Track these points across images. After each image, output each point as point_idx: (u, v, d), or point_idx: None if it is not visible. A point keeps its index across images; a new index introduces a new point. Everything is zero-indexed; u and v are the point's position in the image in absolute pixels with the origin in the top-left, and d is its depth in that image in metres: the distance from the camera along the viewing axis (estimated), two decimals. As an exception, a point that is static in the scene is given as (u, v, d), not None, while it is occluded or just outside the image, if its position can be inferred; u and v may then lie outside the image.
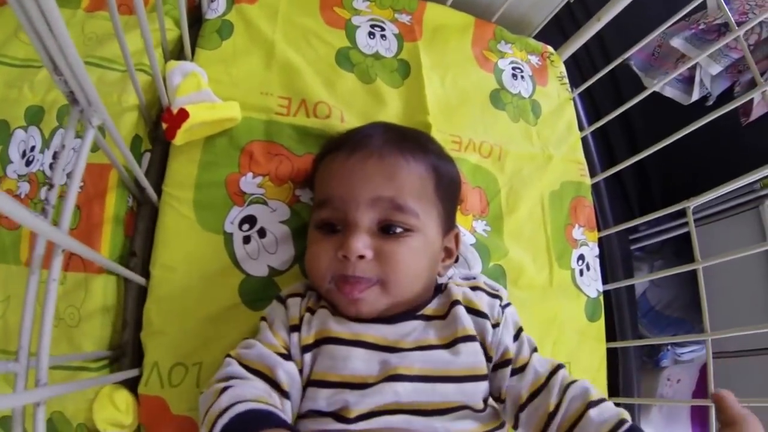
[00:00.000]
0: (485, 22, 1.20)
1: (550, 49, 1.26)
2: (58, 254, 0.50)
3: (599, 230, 1.12)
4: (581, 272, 1.04)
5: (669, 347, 1.99)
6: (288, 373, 0.63)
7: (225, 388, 0.57)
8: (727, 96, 1.55)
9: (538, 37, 1.29)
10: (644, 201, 1.83)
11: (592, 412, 0.62)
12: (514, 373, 0.69)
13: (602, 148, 1.29)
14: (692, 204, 0.95)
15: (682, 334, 0.98)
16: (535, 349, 0.72)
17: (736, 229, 1.63)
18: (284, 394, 0.62)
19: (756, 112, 1.45)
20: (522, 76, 1.16)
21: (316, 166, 0.82)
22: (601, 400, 0.64)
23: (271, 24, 0.99)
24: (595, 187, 1.15)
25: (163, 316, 0.76)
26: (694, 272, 0.91)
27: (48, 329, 0.49)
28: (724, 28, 1.45)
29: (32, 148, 0.82)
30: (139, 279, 0.76)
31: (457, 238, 0.80)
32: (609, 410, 0.63)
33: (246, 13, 0.99)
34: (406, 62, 1.05)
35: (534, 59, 1.22)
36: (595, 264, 1.07)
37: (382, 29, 1.07)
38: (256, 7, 1.00)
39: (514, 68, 1.16)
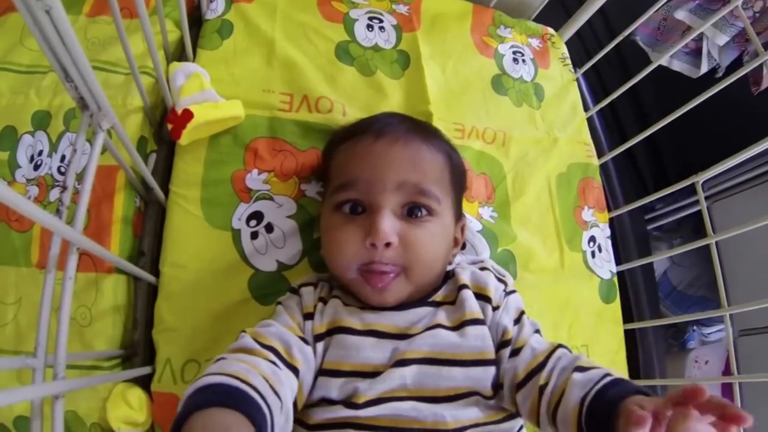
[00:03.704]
0: (484, 8, 1.23)
1: (550, 30, 1.28)
2: (73, 253, 0.54)
3: (609, 210, 1.14)
4: (593, 254, 1.07)
5: (695, 328, 1.99)
6: (303, 353, 0.65)
7: (217, 360, 0.58)
8: (736, 66, 1.55)
9: (539, 19, 1.31)
10: (658, 179, 1.83)
11: (577, 376, 0.60)
12: (512, 354, 0.69)
13: (613, 128, 1.31)
14: (701, 178, 0.97)
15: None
16: (537, 331, 0.73)
17: (753, 202, 1.63)
18: (295, 371, 0.63)
19: (766, 81, 1.43)
20: (523, 60, 1.18)
21: (330, 153, 0.84)
22: (592, 367, 0.62)
23: (270, 21, 1.03)
24: (604, 168, 1.17)
25: (175, 313, 0.80)
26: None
27: (65, 326, 0.53)
28: (729, -1, 1.47)
29: (40, 153, 0.85)
30: (149, 277, 0.80)
31: (463, 228, 0.84)
32: (596, 370, 0.61)
33: (245, 12, 1.03)
34: (406, 53, 1.08)
35: (535, 42, 1.24)
36: (607, 245, 1.10)
37: (381, 21, 1.10)
38: (255, 6, 1.04)
39: (514, 52, 1.19)
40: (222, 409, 0.48)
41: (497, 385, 0.68)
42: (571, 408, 0.57)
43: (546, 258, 1.02)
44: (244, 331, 0.65)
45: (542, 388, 0.63)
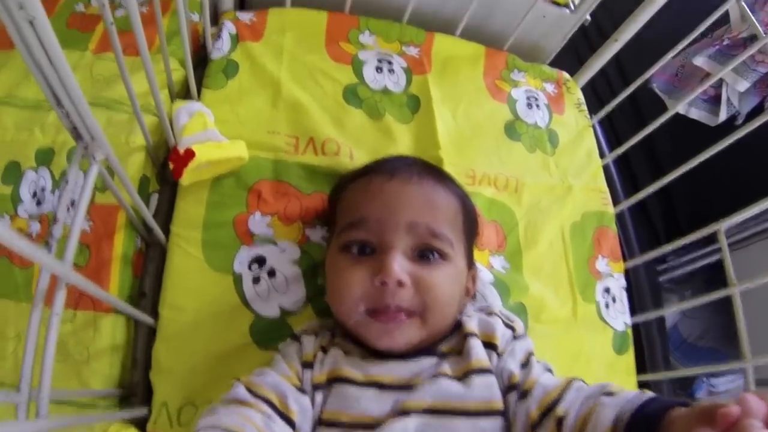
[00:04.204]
0: (497, 51, 1.22)
1: (566, 75, 1.27)
2: (61, 288, 0.53)
3: (625, 260, 1.11)
4: (607, 305, 1.04)
5: (704, 378, 1.95)
6: (299, 403, 0.63)
7: (209, 411, 0.58)
8: (757, 113, 1.54)
9: (553, 64, 1.30)
10: (670, 228, 1.81)
11: (606, 399, 0.57)
12: (521, 397, 0.64)
13: (625, 175, 1.29)
14: (723, 226, 0.95)
15: (717, 364, 0.98)
16: (549, 371, 0.69)
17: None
18: (291, 422, 0.61)
19: None
20: (537, 105, 1.17)
21: (338, 194, 0.83)
22: (623, 391, 0.58)
23: (277, 62, 1.02)
24: (619, 216, 1.15)
25: (172, 356, 0.79)
26: (726, 300, 0.89)
27: (49, 362, 0.51)
28: (749, 42, 1.44)
29: (42, 189, 0.85)
30: (146, 318, 0.79)
31: (474, 277, 0.82)
32: (629, 391, 0.58)
33: (251, 51, 1.02)
34: (416, 96, 1.07)
35: (549, 87, 1.23)
36: (622, 296, 1.06)
37: (390, 63, 1.09)
38: (261, 45, 1.04)
39: (528, 97, 1.17)
40: None
41: None
42: (603, 429, 0.54)
43: (558, 309, 0.99)
44: (238, 380, 0.64)
45: (560, 421, 0.59)
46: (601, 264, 1.07)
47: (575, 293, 1.01)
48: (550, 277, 1.01)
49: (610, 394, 0.58)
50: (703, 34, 1.42)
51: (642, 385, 1.02)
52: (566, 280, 1.02)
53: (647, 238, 1.71)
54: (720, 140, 0.95)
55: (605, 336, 1.01)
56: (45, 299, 0.51)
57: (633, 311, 1.08)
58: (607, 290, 1.05)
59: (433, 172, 0.80)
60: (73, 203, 0.59)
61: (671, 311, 1.03)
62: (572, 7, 1.24)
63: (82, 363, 0.77)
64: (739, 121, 1.56)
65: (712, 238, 1.78)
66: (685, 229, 1.00)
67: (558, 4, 1.24)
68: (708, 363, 1.83)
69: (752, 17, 0.93)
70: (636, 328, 1.06)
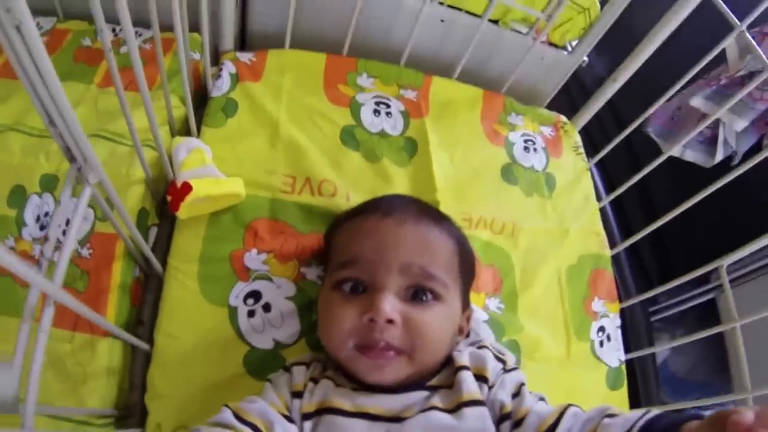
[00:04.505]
0: (494, 94, 1.24)
1: (563, 118, 1.28)
2: (49, 305, 0.53)
3: (621, 301, 1.11)
4: (601, 343, 1.04)
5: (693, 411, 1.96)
6: (286, 431, 0.63)
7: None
8: (754, 151, 1.54)
9: (550, 106, 1.32)
10: (663, 269, 1.82)
11: (608, 420, 0.57)
12: (515, 426, 0.64)
13: (617, 218, 1.30)
14: (726, 262, 0.95)
15: (707, 397, 0.97)
16: (542, 399, 0.68)
17: (762, 290, 1.59)
18: None
19: None
20: (534, 149, 1.18)
21: (333, 232, 0.83)
22: (624, 412, 0.59)
23: (276, 102, 1.04)
24: (615, 258, 1.15)
25: (167, 382, 0.79)
26: (718, 337, 0.91)
27: (35, 377, 0.51)
28: (747, 80, 1.45)
29: (46, 214, 0.87)
30: (140, 344, 0.79)
31: (469, 317, 0.82)
32: (633, 412, 0.57)
33: (250, 91, 1.04)
34: (413, 140, 1.08)
35: (547, 130, 1.24)
36: (617, 334, 1.07)
37: (388, 106, 1.11)
38: (260, 85, 1.06)
39: (525, 141, 1.19)
40: None
41: None
42: None
43: (553, 349, 0.99)
44: (226, 405, 0.63)
45: None
46: (597, 305, 1.07)
47: (570, 333, 1.02)
48: (545, 318, 1.01)
49: (612, 416, 0.58)
50: (698, 75, 1.44)
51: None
52: (561, 321, 1.03)
53: (639, 276, 1.72)
54: (714, 181, 0.96)
55: (599, 372, 1.01)
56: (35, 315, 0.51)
57: (628, 348, 1.08)
58: (602, 329, 1.05)
59: (430, 212, 0.80)
60: (68, 222, 0.59)
61: (668, 346, 1.04)
62: (569, 48, 1.25)
63: (79, 383, 0.78)
64: (736, 161, 1.56)
65: (704, 278, 1.79)
66: (678, 269, 1.00)
67: (555, 47, 1.25)
68: (696, 396, 1.85)
69: (758, 49, 0.93)
70: (630, 365, 1.07)
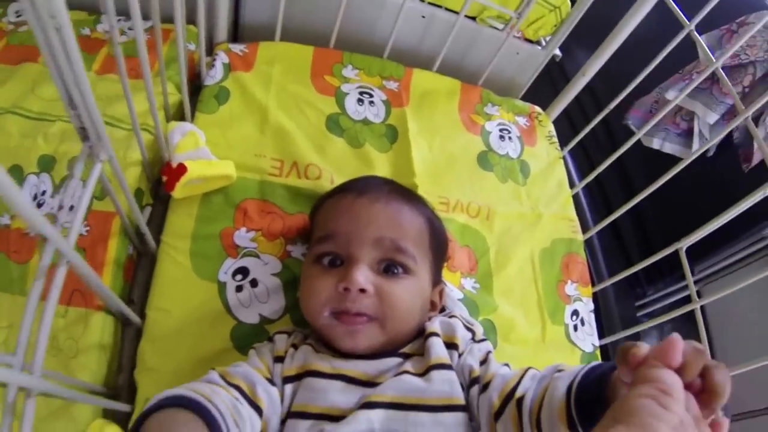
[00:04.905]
0: (471, 86, 1.30)
1: (537, 109, 1.35)
2: (62, 264, 0.57)
3: (593, 285, 1.16)
4: (575, 327, 1.08)
5: None
6: (268, 392, 0.66)
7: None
8: (728, 145, 1.59)
9: (529, 97, 1.38)
10: (649, 266, 1.86)
11: (558, 374, 0.60)
12: (483, 390, 0.68)
13: (603, 212, 1.34)
14: (684, 245, 1.00)
15: None
16: (506, 365, 0.72)
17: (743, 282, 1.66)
18: (258, 410, 0.64)
19: (757, 157, 1.48)
20: (510, 138, 1.24)
21: (315, 210, 0.89)
22: (572, 366, 0.61)
23: (265, 91, 1.10)
24: (589, 244, 1.21)
25: (157, 355, 0.82)
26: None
27: (46, 330, 0.55)
28: (717, 76, 1.52)
29: (43, 193, 0.89)
30: (134, 317, 0.83)
31: (442, 292, 0.87)
32: (581, 366, 0.59)
33: (242, 81, 1.10)
34: (394, 127, 1.14)
35: (522, 120, 1.30)
36: (590, 319, 1.11)
37: (371, 96, 1.17)
38: (251, 75, 1.11)
39: (501, 130, 1.25)
40: (179, 409, 0.52)
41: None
42: (557, 402, 0.56)
43: (528, 330, 1.03)
44: (213, 369, 0.67)
45: (520, 402, 0.62)
46: (570, 288, 1.12)
47: (544, 316, 1.06)
48: (519, 299, 1.06)
49: (561, 370, 0.62)
50: (674, 70, 1.50)
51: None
52: (535, 303, 1.07)
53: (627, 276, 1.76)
54: (694, 172, 1.02)
55: (573, 357, 1.05)
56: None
57: (602, 334, 1.12)
58: (575, 313, 1.10)
59: (401, 192, 0.86)
60: (72, 208, 0.63)
61: (638, 330, 1.07)
62: (543, 43, 1.32)
63: (71, 357, 0.79)
64: (711, 152, 1.61)
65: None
66: (664, 264, 1.05)
67: (530, 42, 1.32)
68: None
69: (703, 43, 1.00)
70: (605, 350, 1.11)
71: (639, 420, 0.37)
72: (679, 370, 0.42)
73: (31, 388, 0.50)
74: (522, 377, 0.66)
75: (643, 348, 0.44)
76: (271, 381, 0.69)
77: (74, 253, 0.57)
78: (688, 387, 0.42)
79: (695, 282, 1.75)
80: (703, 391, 0.43)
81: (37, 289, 0.52)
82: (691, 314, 0.96)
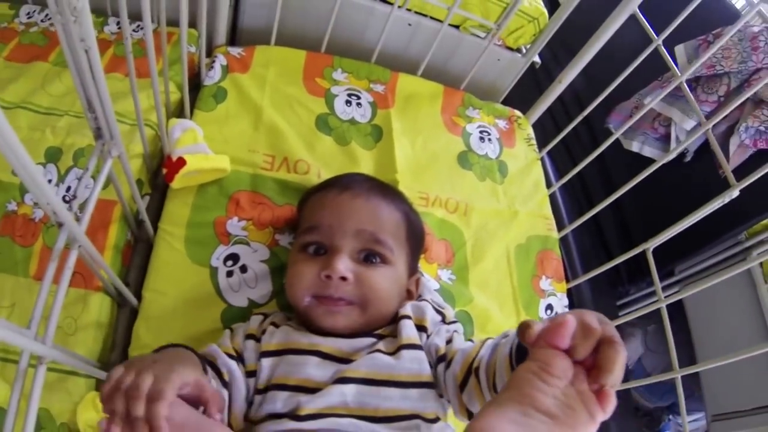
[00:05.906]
0: (454, 90, 1.38)
1: (517, 113, 1.42)
2: (75, 248, 0.64)
3: (568, 281, 1.22)
4: None
5: (671, 417, 2.04)
6: (227, 366, 0.73)
7: None
8: (704, 150, 1.66)
9: (517, 101, 1.45)
10: (631, 267, 1.91)
11: (504, 339, 0.66)
12: (448, 366, 0.74)
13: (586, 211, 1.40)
14: (651, 245, 1.06)
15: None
16: (471, 341, 0.78)
17: (726, 283, 1.72)
18: (224, 383, 0.72)
19: (734, 162, 1.52)
20: (489, 139, 1.32)
21: (302, 203, 0.96)
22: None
23: (260, 91, 1.18)
24: (564, 242, 1.26)
25: (151, 333, 0.87)
26: (688, 337, 0.97)
27: (59, 303, 0.61)
28: (694, 83, 1.59)
29: (49, 182, 0.92)
30: (132, 298, 0.89)
31: (417, 282, 0.93)
32: None
33: (238, 81, 1.18)
34: (379, 127, 1.22)
35: (501, 123, 1.38)
36: (564, 314, 1.18)
37: (359, 98, 1.25)
38: (248, 77, 1.20)
39: (481, 132, 1.33)
40: (176, 347, 0.65)
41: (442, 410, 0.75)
42: (504, 362, 0.62)
43: (503, 322, 1.08)
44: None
45: (477, 370, 0.68)
46: (545, 283, 1.18)
47: (519, 308, 1.12)
48: (495, 292, 1.12)
49: (507, 335, 0.68)
50: (653, 78, 1.57)
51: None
52: (510, 296, 1.13)
53: (608, 274, 1.82)
54: (672, 177, 1.09)
55: None
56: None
57: None
58: (549, 307, 1.16)
59: (381, 188, 0.93)
60: (77, 200, 0.71)
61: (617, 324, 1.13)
62: (524, 51, 1.40)
63: (69, 334, 0.84)
64: (688, 158, 1.70)
65: (670, 273, 1.86)
66: (644, 265, 1.08)
67: (511, 50, 1.40)
68: (674, 398, 1.89)
69: (668, 56, 1.07)
70: None
71: (522, 391, 0.46)
72: (569, 350, 0.48)
73: (44, 355, 0.55)
74: (480, 348, 0.72)
75: (536, 328, 0.49)
76: (232, 356, 0.76)
77: (86, 239, 0.64)
78: (580, 362, 0.48)
79: (677, 282, 1.83)
80: (593, 367, 0.47)
81: (51, 270, 0.58)
82: (673, 313, 0.98)
